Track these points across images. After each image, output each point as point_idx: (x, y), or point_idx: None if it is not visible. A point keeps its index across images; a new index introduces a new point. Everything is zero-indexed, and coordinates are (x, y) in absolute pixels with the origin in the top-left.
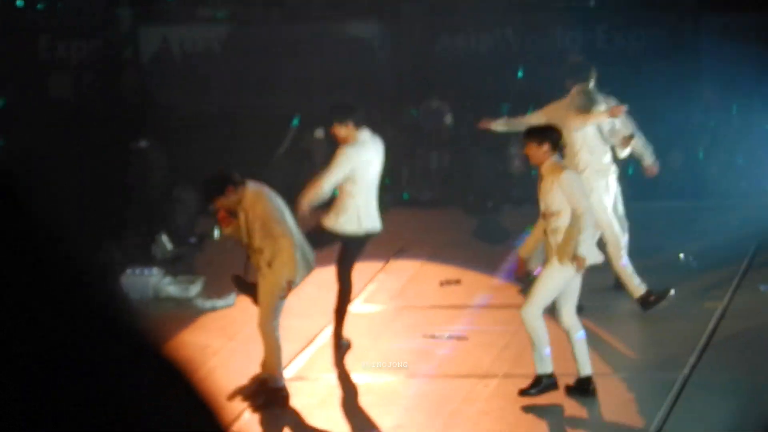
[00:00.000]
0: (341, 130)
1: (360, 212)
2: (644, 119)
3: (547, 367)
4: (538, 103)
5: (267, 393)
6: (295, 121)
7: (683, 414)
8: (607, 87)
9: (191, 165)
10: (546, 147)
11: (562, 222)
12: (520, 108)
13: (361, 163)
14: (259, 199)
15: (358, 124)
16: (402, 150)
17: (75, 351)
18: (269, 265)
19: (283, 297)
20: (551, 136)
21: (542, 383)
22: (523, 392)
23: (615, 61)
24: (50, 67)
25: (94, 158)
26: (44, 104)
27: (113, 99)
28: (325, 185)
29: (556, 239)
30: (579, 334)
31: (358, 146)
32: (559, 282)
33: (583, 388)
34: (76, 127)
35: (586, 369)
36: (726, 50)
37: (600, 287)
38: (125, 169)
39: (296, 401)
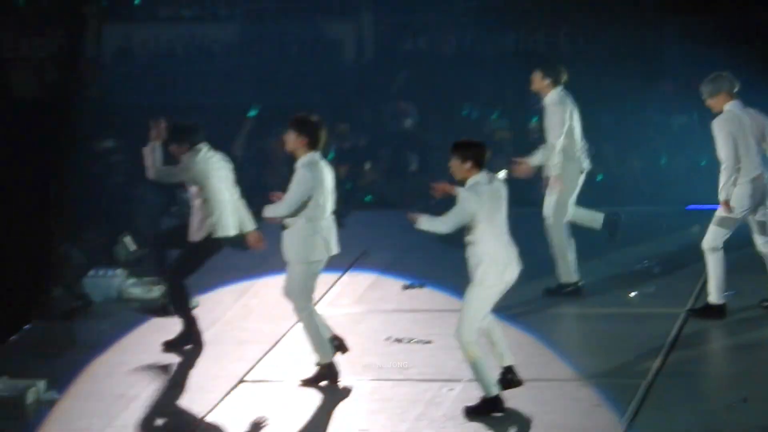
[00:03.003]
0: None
1: None
2: (608, 122)
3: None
4: (502, 104)
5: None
6: (252, 112)
7: (647, 419)
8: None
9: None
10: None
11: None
12: (483, 109)
13: None
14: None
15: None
16: (366, 151)
17: None
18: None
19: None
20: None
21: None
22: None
23: (578, 63)
24: (12, 64)
25: (57, 156)
26: (7, 101)
27: (77, 97)
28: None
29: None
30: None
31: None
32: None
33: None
34: (40, 124)
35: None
36: (688, 52)
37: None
38: (89, 169)
39: (261, 404)
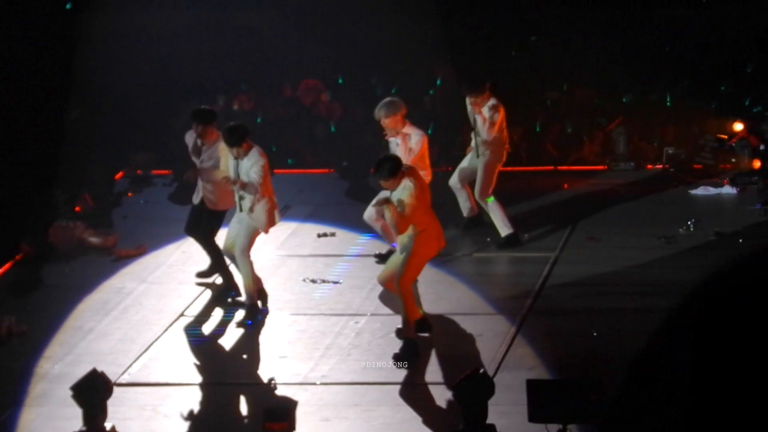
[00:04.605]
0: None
1: None
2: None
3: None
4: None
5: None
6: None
7: (521, 347)
8: None
9: (113, 132)
10: None
11: None
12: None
13: None
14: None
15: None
16: (286, 121)
17: None
18: (250, 210)
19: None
20: None
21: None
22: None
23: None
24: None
25: (31, 124)
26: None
27: (49, 70)
28: None
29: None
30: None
31: None
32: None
33: (423, 326)
34: (15, 96)
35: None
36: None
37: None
38: (59, 135)
39: (197, 335)
